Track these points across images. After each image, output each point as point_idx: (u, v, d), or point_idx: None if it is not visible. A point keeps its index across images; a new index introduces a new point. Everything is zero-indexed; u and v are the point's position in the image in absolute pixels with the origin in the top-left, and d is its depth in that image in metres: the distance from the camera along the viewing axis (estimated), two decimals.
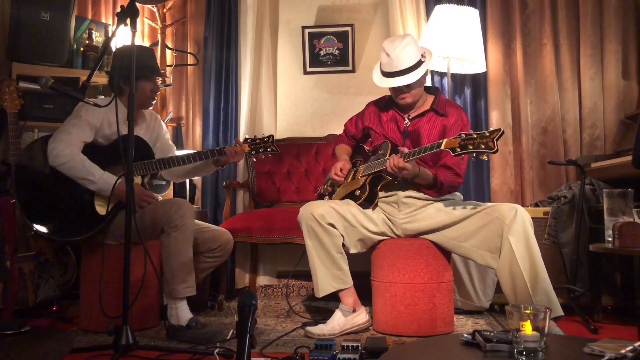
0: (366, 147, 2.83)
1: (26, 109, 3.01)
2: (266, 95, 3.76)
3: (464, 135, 2.17)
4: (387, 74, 2.48)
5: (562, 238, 2.84)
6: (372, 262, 2.59)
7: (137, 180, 2.62)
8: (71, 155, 2.46)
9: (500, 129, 2.12)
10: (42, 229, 2.50)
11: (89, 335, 2.45)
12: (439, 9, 3.28)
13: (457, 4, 3.30)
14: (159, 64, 2.85)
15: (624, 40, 3.39)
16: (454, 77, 3.45)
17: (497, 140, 2.09)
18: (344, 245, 2.52)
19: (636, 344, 1.43)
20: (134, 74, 2.14)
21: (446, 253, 2.50)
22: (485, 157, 2.16)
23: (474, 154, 2.14)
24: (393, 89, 2.53)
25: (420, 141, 2.52)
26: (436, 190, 2.47)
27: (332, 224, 2.46)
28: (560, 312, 2.24)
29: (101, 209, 2.51)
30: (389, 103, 2.67)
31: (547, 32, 3.46)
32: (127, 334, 1.99)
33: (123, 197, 2.35)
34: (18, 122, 2.78)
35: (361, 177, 2.60)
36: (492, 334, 1.54)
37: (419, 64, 2.47)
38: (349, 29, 3.80)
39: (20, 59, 3.24)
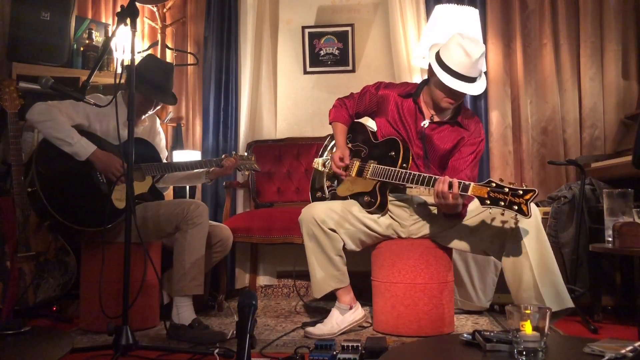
0: (369, 129, 2.63)
1: (26, 109, 3.00)
2: (266, 95, 3.76)
3: (494, 185, 2.03)
4: (460, 76, 2.27)
5: (562, 238, 2.84)
6: (372, 262, 2.59)
7: (149, 180, 2.68)
8: (54, 114, 2.46)
9: (534, 190, 1.96)
10: (63, 217, 2.45)
11: (89, 335, 2.45)
12: (439, 9, 3.28)
13: (457, 4, 3.30)
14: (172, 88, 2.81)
15: (624, 40, 3.39)
16: None
17: (530, 202, 1.95)
18: (344, 247, 2.49)
19: (636, 344, 1.43)
20: (133, 76, 2.15)
21: (447, 253, 2.50)
22: (516, 219, 2.07)
23: (503, 211, 2.01)
24: (449, 92, 2.32)
25: (434, 148, 2.43)
26: (460, 215, 2.31)
27: (334, 229, 2.43)
28: (570, 304, 2.20)
29: (119, 203, 2.51)
30: (413, 95, 2.49)
31: (547, 32, 3.46)
32: (127, 334, 1.98)
33: (99, 164, 2.49)
34: (18, 122, 2.78)
35: (369, 178, 2.44)
36: (492, 334, 1.54)
37: (481, 74, 2.34)
38: (349, 29, 3.80)
39: (20, 59, 3.24)
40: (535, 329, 1.41)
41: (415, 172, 2.30)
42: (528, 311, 1.43)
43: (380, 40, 3.81)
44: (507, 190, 2.00)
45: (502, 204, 2.00)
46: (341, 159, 2.53)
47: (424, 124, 2.44)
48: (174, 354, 2.11)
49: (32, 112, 2.48)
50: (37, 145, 2.54)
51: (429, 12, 3.44)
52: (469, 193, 2.08)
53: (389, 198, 2.45)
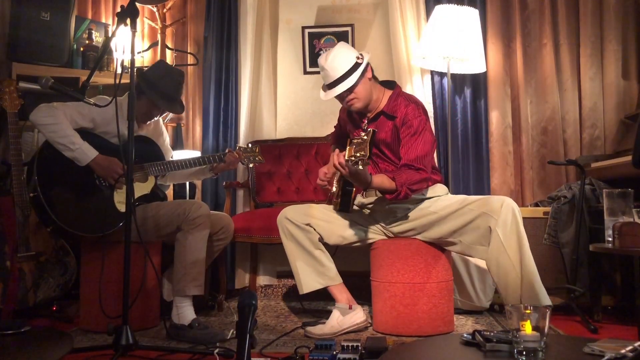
0: None
1: (26, 109, 3.00)
2: (266, 95, 3.76)
3: (350, 140, 2.09)
4: (328, 86, 2.49)
5: (562, 238, 2.84)
6: (371, 262, 2.59)
7: (151, 181, 2.68)
8: (58, 118, 2.44)
9: (371, 130, 2.06)
10: (65, 224, 2.47)
11: (89, 335, 2.46)
12: (439, 9, 3.28)
13: (457, 4, 3.29)
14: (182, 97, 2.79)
15: (624, 40, 3.39)
16: (454, 77, 3.45)
17: (369, 137, 2.03)
18: (325, 243, 2.53)
19: (636, 344, 1.43)
20: (133, 76, 2.15)
21: (446, 252, 2.50)
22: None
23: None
24: (340, 98, 2.51)
25: (380, 146, 2.51)
26: (398, 194, 2.30)
27: (308, 223, 2.51)
28: (547, 302, 2.23)
29: (122, 206, 2.51)
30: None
31: (547, 32, 3.46)
32: (127, 334, 1.99)
33: (99, 169, 2.48)
34: (18, 122, 2.78)
35: (336, 183, 2.57)
36: (492, 334, 1.54)
37: (356, 66, 2.45)
38: (349, 29, 3.80)
39: (20, 59, 3.24)
40: (535, 328, 1.41)
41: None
42: (528, 311, 1.43)
43: (380, 40, 3.81)
44: (359, 140, 2.05)
45: (358, 154, 2.04)
46: (325, 174, 2.64)
47: (365, 126, 2.57)
48: (174, 354, 2.11)
49: (36, 114, 2.46)
50: (39, 148, 2.54)
51: (429, 12, 3.44)
52: (346, 157, 2.10)
53: (370, 200, 2.55)
